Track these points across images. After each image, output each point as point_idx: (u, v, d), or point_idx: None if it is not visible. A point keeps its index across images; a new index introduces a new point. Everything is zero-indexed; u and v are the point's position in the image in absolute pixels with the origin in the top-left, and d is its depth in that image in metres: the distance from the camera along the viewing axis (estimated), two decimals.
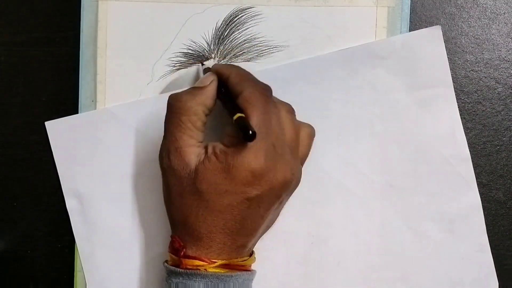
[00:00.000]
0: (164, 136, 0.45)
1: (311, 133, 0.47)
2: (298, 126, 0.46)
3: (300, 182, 0.49)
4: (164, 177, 0.45)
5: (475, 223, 0.51)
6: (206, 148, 0.44)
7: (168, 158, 0.44)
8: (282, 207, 0.48)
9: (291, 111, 0.46)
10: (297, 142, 0.46)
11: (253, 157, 0.41)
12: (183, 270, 0.43)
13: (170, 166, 0.44)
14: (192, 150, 0.43)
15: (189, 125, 0.44)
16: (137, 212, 0.52)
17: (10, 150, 0.54)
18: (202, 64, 0.51)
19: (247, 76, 0.45)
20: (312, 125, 0.49)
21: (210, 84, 0.45)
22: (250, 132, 0.40)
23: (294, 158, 0.44)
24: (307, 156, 0.48)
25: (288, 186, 0.44)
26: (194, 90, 0.45)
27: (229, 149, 0.42)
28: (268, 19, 0.52)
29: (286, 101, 0.47)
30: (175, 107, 0.44)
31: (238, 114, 0.42)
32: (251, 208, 0.43)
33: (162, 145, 0.45)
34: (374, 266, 0.52)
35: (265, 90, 0.44)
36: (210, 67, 0.49)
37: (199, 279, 0.43)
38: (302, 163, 0.47)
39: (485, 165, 0.52)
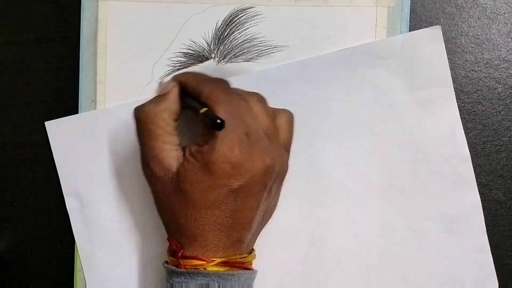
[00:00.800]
0: (140, 148, 0.46)
1: (289, 118, 0.47)
2: (272, 112, 0.46)
3: (301, 182, 0.49)
4: (150, 186, 0.46)
5: (475, 223, 0.51)
6: (184, 150, 0.44)
7: (149, 167, 0.45)
8: (276, 198, 0.48)
9: (261, 99, 0.46)
10: (274, 128, 0.46)
11: (227, 149, 0.42)
12: (184, 270, 0.43)
13: (153, 175, 0.45)
14: (170, 155, 0.44)
15: (159, 131, 0.44)
16: (137, 212, 0.52)
17: (10, 150, 0.54)
18: (160, 82, 0.52)
19: (202, 77, 0.46)
20: (312, 125, 0.49)
21: (172, 90, 0.46)
22: (218, 120, 0.41)
23: (272, 144, 0.45)
24: (290, 141, 0.48)
25: (270, 172, 0.44)
26: (156, 98, 0.46)
27: (204, 147, 0.43)
28: (268, 19, 0.52)
29: (286, 101, 0.47)
30: (141, 118, 0.45)
31: (204, 109, 0.43)
32: (238, 200, 0.43)
33: (140, 157, 0.46)
34: (374, 266, 0.52)
35: (222, 83, 0.45)
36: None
37: (201, 278, 0.43)
38: (287, 150, 0.47)
39: (485, 165, 0.52)
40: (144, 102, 0.46)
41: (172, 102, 0.46)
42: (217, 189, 0.43)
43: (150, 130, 0.45)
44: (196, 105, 0.44)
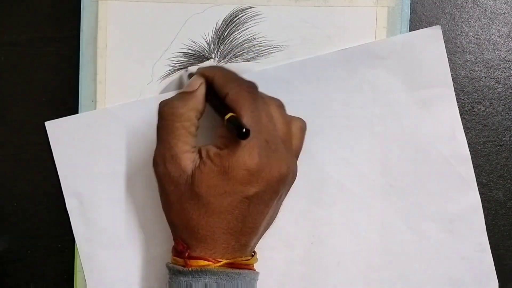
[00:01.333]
0: (157, 144, 0.45)
1: (303, 127, 0.47)
2: (289, 120, 0.46)
3: (301, 182, 0.49)
4: (160, 184, 0.45)
5: (475, 223, 0.51)
6: (199, 152, 0.44)
7: (164, 165, 0.44)
8: (281, 203, 0.48)
9: (280, 105, 0.46)
10: (290, 136, 0.46)
11: (247, 155, 0.42)
12: (192, 269, 0.43)
13: (166, 174, 0.44)
14: (188, 156, 0.44)
15: (183, 131, 0.44)
16: (137, 212, 0.52)
17: (10, 150, 0.53)
18: (186, 70, 0.51)
19: (232, 76, 0.45)
20: (312, 125, 0.49)
21: (199, 88, 0.45)
22: (244, 130, 0.40)
23: (288, 152, 0.45)
24: (300, 149, 0.48)
25: (285, 180, 0.44)
26: (184, 95, 0.45)
27: (223, 151, 0.42)
28: (268, 19, 0.52)
29: (286, 101, 0.47)
30: (167, 114, 0.44)
31: (230, 114, 0.42)
32: (251, 206, 0.43)
33: (156, 152, 0.45)
34: (374, 266, 0.52)
35: (251, 88, 0.44)
36: (194, 72, 0.49)
37: (209, 276, 0.43)
38: (296, 157, 0.47)
39: (485, 165, 0.52)
40: (170, 97, 0.45)
41: (200, 101, 0.45)
42: (233, 194, 0.42)
43: (174, 127, 0.44)
44: (221, 107, 0.43)
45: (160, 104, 0.45)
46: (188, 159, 0.43)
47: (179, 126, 0.44)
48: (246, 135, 0.40)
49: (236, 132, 0.41)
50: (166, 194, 0.45)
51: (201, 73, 0.46)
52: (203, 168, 0.43)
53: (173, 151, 0.44)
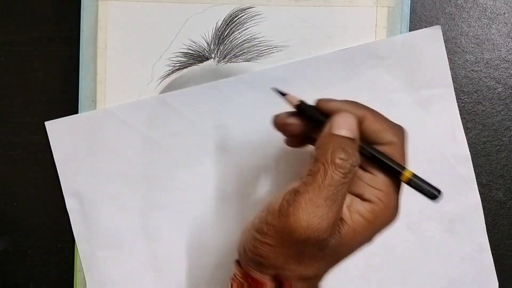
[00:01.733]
0: (320, 202, 0.36)
1: None
2: None
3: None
4: (295, 243, 0.37)
5: (475, 223, 0.51)
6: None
7: (324, 230, 0.37)
8: None
9: None
10: None
11: (394, 208, 0.40)
12: None
13: (319, 238, 0.37)
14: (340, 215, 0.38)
15: (347, 185, 0.38)
16: (137, 212, 0.52)
17: (10, 150, 0.54)
18: (283, 94, 0.41)
19: (386, 122, 0.40)
20: None
21: (356, 134, 0.38)
22: (437, 191, 0.38)
23: None
24: None
25: None
26: (349, 142, 0.37)
27: (378, 205, 0.38)
28: (268, 19, 0.52)
29: None
30: (347, 166, 0.37)
31: (409, 171, 0.38)
32: None
33: (317, 216, 0.36)
34: (374, 266, 0.52)
35: (403, 131, 0.40)
36: (301, 101, 0.41)
37: None
38: None
39: (485, 165, 0.52)
40: (336, 144, 0.37)
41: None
42: (367, 241, 0.40)
43: (346, 185, 0.37)
44: (390, 161, 0.39)
45: (340, 152, 0.37)
46: (339, 218, 0.38)
47: (348, 182, 0.37)
48: (437, 196, 0.38)
49: (428, 195, 0.38)
50: (296, 254, 0.38)
51: (348, 110, 0.39)
52: (352, 225, 0.38)
53: (339, 214, 0.37)
